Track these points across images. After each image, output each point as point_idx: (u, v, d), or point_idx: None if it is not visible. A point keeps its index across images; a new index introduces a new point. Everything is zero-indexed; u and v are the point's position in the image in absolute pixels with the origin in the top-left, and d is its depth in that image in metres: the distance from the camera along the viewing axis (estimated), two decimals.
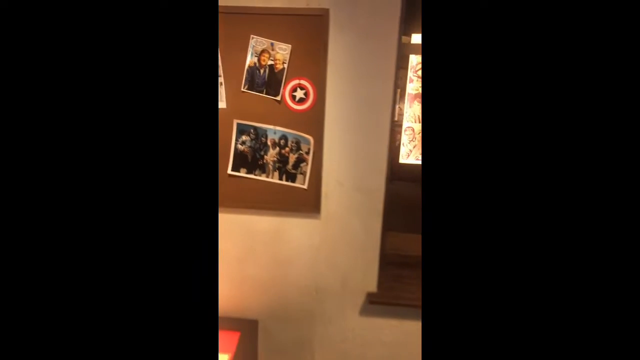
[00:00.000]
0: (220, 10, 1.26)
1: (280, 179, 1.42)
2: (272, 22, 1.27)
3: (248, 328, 1.54)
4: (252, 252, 1.50)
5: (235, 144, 1.39)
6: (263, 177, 1.42)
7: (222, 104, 1.35)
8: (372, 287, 1.49)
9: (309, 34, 1.27)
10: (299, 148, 1.38)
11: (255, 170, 1.41)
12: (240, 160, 1.41)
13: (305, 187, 1.42)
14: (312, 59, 1.29)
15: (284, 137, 1.38)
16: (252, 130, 1.38)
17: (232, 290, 1.55)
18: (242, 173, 1.42)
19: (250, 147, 1.39)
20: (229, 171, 1.41)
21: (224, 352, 1.41)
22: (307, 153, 1.39)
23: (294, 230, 1.48)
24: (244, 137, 1.38)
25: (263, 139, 1.38)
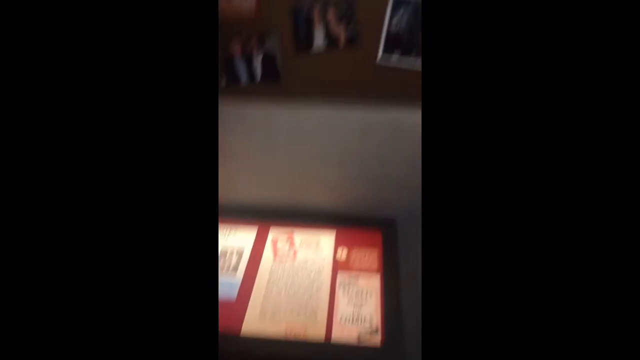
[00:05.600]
0: None
1: None
2: None
3: (389, 227, 1.51)
4: (393, 149, 1.40)
5: (389, 23, 1.19)
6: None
7: None
8: None
9: None
10: None
11: (411, 52, 1.23)
12: (394, 43, 1.22)
13: None
14: None
15: None
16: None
17: (372, 191, 1.50)
18: (394, 59, 1.24)
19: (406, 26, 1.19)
20: (379, 60, 1.24)
21: (373, 247, 1.40)
22: None
23: None
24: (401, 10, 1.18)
25: None
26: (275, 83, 1.31)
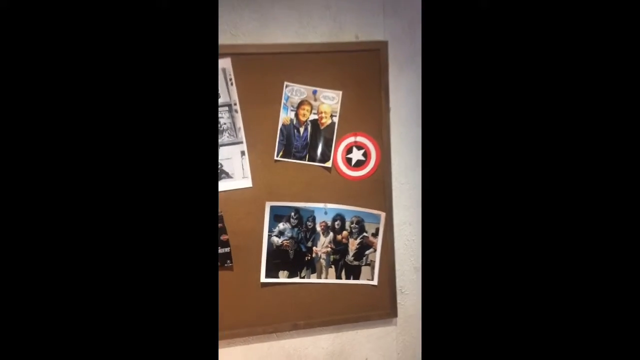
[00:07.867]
0: (232, 51, 0.90)
1: (339, 277, 0.99)
2: (313, 63, 0.93)
3: None
4: None
5: (269, 237, 0.96)
6: (313, 279, 0.98)
7: (246, 182, 0.94)
8: None
9: (363, 75, 0.94)
10: (362, 230, 0.99)
11: (300, 271, 0.98)
12: (279, 260, 0.97)
13: (374, 282, 1.00)
14: (369, 107, 0.96)
15: (339, 216, 0.98)
16: (292, 214, 0.96)
17: None
18: (283, 278, 0.97)
19: (291, 237, 0.97)
20: (263, 279, 0.96)
21: None
22: (375, 235, 0.99)
23: (364, 346, 1.03)
24: (281, 225, 0.96)
25: (309, 223, 0.97)
26: None
